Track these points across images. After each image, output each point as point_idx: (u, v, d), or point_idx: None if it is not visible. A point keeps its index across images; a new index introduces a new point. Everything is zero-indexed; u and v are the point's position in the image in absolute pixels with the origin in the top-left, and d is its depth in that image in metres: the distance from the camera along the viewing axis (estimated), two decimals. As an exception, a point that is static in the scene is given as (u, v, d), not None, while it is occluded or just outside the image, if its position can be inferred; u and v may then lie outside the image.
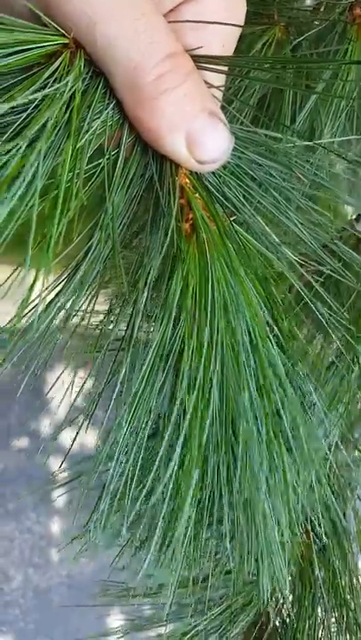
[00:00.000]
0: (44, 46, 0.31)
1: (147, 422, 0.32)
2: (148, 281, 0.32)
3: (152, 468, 0.32)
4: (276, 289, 0.35)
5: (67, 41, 0.32)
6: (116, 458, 0.33)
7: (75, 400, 0.38)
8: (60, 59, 0.32)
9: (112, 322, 0.38)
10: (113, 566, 0.64)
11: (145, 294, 0.31)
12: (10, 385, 1.86)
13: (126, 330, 0.33)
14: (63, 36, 0.32)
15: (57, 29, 0.31)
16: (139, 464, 0.34)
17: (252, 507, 0.36)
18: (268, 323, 0.32)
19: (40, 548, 1.93)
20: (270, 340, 0.31)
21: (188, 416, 0.30)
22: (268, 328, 0.32)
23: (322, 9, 0.62)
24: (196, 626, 0.73)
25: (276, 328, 0.32)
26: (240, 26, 0.36)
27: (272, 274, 0.36)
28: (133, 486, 0.34)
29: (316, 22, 0.57)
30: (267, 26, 0.54)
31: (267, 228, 0.37)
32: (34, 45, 0.30)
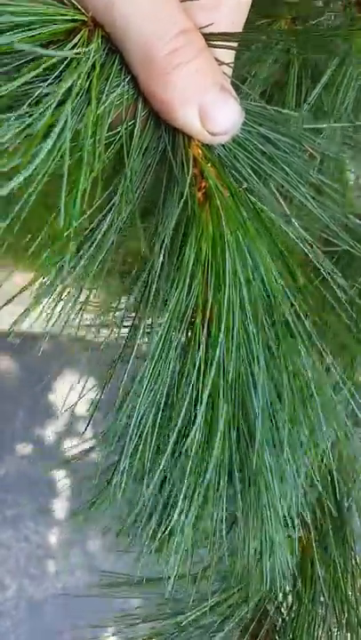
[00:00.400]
0: (64, 22, 0.32)
1: (165, 381, 0.33)
2: (164, 245, 0.33)
3: (170, 424, 0.34)
4: (290, 258, 0.36)
5: (85, 18, 0.34)
6: (135, 414, 0.34)
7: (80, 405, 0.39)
8: (80, 35, 0.33)
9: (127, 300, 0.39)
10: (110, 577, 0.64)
11: (161, 257, 0.33)
12: (16, 390, 1.87)
13: (143, 291, 0.34)
14: (82, 13, 0.33)
15: (76, 7, 0.33)
16: (158, 421, 0.35)
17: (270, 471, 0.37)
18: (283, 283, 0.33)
19: (37, 557, 1.91)
20: (288, 295, 0.32)
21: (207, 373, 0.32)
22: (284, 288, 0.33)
23: (331, 5, 0.63)
24: (193, 619, 0.72)
25: (293, 288, 0.34)
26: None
27: (286, 245, 0.37)
28: (153, 442, 0.35)
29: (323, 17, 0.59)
30: (273, 19, 0.56)
31: (281, 200, 0.38)
32: (56, 19, 0.32)
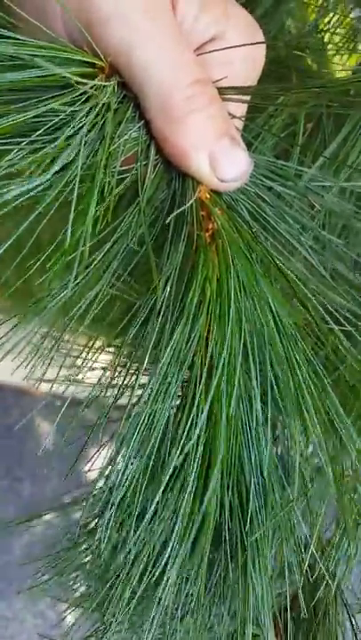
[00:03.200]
0: (82, 64, 0.34)
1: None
2: (170, 281, 0.33)
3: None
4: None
5: (103, 64, 0.35)
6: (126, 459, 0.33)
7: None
8: (98, 78, 0.35)
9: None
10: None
11: (165, 292, 0.32)
12: (50, 455, 1.84)
13: (145, 328, 0.33)
14: (100, 59, 0.35)
15: (96, 53, 0.34)
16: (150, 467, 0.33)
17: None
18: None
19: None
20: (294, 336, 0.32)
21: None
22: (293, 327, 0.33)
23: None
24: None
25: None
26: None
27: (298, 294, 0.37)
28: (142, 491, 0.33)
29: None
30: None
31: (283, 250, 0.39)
32: (75, 61, 0.33)
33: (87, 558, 0.53)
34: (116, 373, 0.40)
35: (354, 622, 0.64)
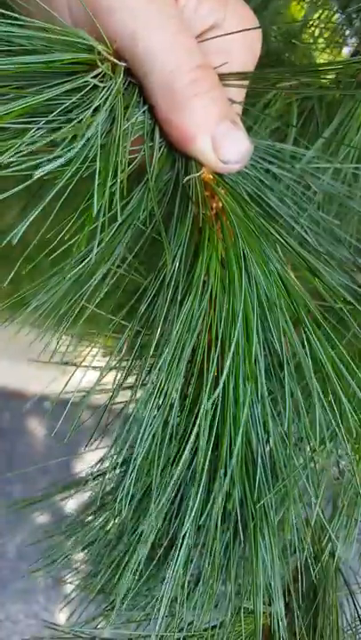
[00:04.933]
0: (87, 50, 0.35)
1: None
2: (177, 257, 0.34)
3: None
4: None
5: (110, 51, 0.37)
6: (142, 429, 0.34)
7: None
8: (105, 65, 0.36)
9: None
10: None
11: (174, 267, 0.34)
12: (44, 455, 1.83)
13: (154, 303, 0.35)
14: (107, 45, 0.36)
15: (103, 40, 0.36)
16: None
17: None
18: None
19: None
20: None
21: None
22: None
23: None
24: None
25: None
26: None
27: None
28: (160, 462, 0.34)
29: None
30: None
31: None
32: (84, 48, 0.35)
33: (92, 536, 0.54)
34: (125, 356, 0.41)
35: (353, 599, 0.66)
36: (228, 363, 0.34)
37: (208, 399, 0.34)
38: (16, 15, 0.33)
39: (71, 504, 0.62)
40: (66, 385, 0.45)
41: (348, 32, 0.65)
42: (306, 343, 0.33)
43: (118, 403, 0.47)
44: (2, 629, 1.78)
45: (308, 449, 0.39)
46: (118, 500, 0.34)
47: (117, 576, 0.48)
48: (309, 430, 0.35)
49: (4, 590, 1.82)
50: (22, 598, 1.80)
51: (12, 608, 1.80)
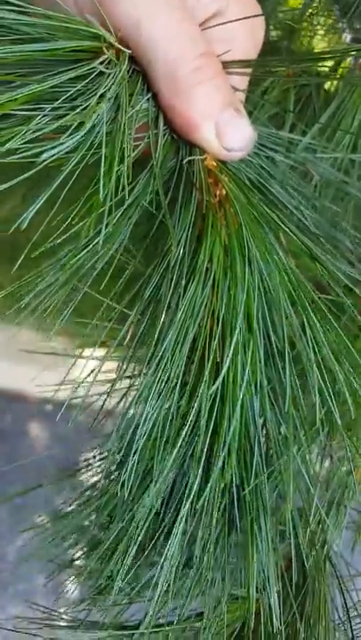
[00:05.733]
0: (92, 38, 0.35)
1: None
2: (181, 243, 0.35)
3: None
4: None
5: (113, 39, 0.37)
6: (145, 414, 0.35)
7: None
8: (110, 52, 0.36)
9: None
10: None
11: (179, 251, 0.34)
12: (45, 459, 1.84)
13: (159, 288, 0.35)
14: (111, 34, 0.36)
15: (107, 28, 0.36)
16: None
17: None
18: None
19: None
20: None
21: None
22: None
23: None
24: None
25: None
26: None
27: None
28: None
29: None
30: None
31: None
32: (89, 36, 0.35)
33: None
34: (128, 346, 0.42)
35: (342, 585, 0.67)
36: (230, 350, 0.35)
37: (209, 388, 0.35)
38: (21, 3, 0.33)
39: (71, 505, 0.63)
40: (68, 385, 0.46)
41: (344, 22, 0.65)
42: (306, 330, 0.34)
43: (121, 389, 0.48)
44: (1, 632, 1.78)
45: (303, 435, 0.40)
46: (120, 482, 0.35)
47: (113, 559, 0.48)
48: (305, 416, 0.36)
49: (4, 593, 1.83)
50: (22, 601, 1.81)
51: (12, 611, 1.81)
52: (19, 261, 0.31)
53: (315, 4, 0.60)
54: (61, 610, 0.65)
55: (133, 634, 0.57)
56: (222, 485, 0.40)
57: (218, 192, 0.38)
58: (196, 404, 0.36)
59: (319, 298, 0.37)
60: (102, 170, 0.28)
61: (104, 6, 0.35)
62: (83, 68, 0.35)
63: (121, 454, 0.36)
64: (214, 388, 0.35)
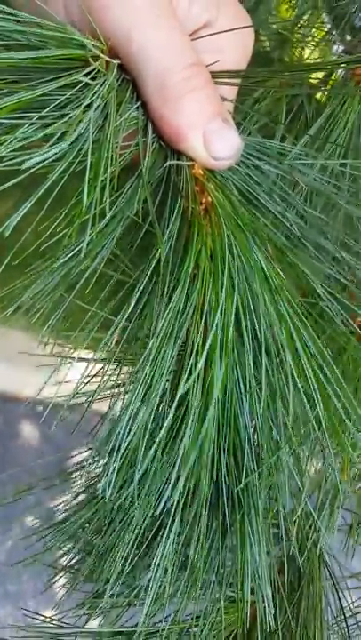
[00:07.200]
0: (81, 47, 0.36)
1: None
2: (169, 244, 0.35)
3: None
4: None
5: (104, 47, 0.37)
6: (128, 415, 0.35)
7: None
8: (98, 62, 0.37)
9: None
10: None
11: (167, 258, 0.35)
12: (37, 459, 1.84)
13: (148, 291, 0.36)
14: (101, 42, 0.37)
15: (97, 37, 0.37)
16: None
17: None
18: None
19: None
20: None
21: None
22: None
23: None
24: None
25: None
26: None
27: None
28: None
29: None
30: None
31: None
32: (79, 45, 0.35)
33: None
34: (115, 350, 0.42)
35: (335, 581, 0.67)
36: (204, 352, 0.35)
37: (186, 382, 0.35)
38: (14, 11, 0.34)
39: (62, 507, 0.63)
40: (58, 388, 0.46)
41: (334, 33, 0.66)
42: (288, 336, 0.34)
43: (112, 391, 0.48)
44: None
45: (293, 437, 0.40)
46: (105, 482, 0.35)
47: (105, 563, 0.49)
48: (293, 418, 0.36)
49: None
50: (12, 602, 1.80)
51: (0, 612, 1.80)
52: (3, 264, 0.31)
53: (306, 17, 0.61)
54: (58, 616, 0.66)
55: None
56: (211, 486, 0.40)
57: (204, 200, 0.38)
58: (182, 408, 0.37)
59: (305, 308, 0.37)
60: (87, 178, 0.29)
61: (94, 15, 0.36)
62: (71, 77, 0.35)
63: (106, 458, 0.36)
64: (189, 383, 0.35)
